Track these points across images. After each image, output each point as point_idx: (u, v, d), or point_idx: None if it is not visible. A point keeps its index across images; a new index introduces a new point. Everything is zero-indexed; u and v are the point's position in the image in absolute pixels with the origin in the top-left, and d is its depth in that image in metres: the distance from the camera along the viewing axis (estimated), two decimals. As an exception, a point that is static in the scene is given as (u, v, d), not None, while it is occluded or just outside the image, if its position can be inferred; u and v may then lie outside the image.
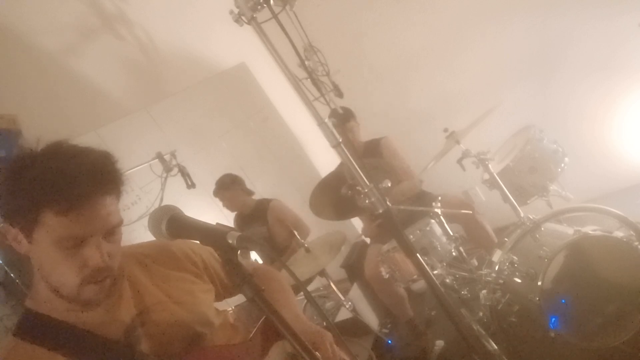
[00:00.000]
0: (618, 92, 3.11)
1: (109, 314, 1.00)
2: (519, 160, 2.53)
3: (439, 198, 2.54)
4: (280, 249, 3.29)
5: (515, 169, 2.53)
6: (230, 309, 2.37)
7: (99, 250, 0.90)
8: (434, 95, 3.72)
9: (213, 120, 3.48)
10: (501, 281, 2.17)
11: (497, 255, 2.27)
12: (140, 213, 2.67)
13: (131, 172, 2.65)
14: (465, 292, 2.43)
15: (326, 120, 1.40)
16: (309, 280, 3.17)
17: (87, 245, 0.90)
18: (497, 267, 2.21)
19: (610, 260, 1.99)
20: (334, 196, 2.59)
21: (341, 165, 3.01)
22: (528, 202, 2.57)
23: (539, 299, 1.94)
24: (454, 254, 2.40)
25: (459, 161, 2.52)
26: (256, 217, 3.29)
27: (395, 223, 1.46)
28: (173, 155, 2.68)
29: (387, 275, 2.49)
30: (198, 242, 1.19)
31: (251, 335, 1.18)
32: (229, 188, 3.20)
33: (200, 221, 0.90)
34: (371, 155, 3.06)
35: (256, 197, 3.38)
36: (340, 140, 1.41)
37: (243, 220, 3.36)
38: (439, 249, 2.40)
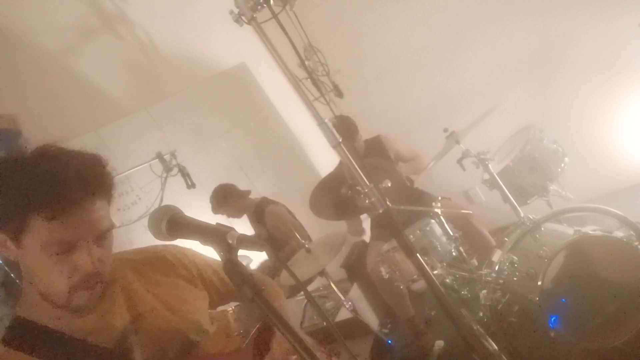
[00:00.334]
0: (618, 92, 3.11)
1: (102, 320, 0.98)
2: (519, 160, 2.53)
3: (439, 198, 2.54)
4: (279, 249, 3.28)
5: (515, 169, 2.53)
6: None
7: (90, 256, 0.89)
8: (434, 95, 3.72)
9: (213, 120, 3.47)
10: (501, 281, 2.17)
11: (497, 255, 2.27)
12: (140, 213, 2.67)
13: (131, 172, 2.65)
14: (465, 292, 2.43)
15: (326, 120, 1.40)
16: (309, 280, 3.17)
17: (77, 250, 0.88)
18: (497, 267, 2.20)
19: (610, 260, 1.99)
20: (334, 196, 2.60)
21: (341, 165, 3.01)
22: (528, 202, 2.57)
23: (539, 299, 1.94)
24: (454, 254, 2.40)
25: (459, 161, 2.52)
26: (256, 218, 3.29)
27: (395, 223, 1.47)
28: (173, 155, 2.68)
29: (387, 275, 2.49)
30: (192, 248, 1.17)
31: (245, 343, 1.17)
32: (224, 202, 3.13)
33: (200, 221, 0.90)
34: (375, 154, 3.06)
35: (256, 196, 3.38)
36: (340, 140, 1.41)
37: (249, 219, 3.36)
38: (439, 249, 2.40)
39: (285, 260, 2.94)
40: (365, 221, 3.34)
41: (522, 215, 2.32)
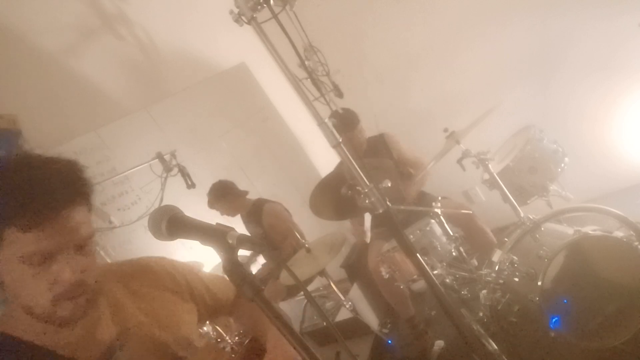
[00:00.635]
0: (618, 92, 3.11)
1: (87, 335, 0.95)
2: (519, 160, 2.53)
3: (439, 198, 2.54)
4: (276, 249, 3.28)
5: (515, 169, 2.53)
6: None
7: (71, 265, 0.86)
8: (434, 95, 3.72)
9: (213, 120, 3.48)
10: (501, 281, 2.17)
11: (497, 255, 2.27)
12: (140, 213, 2.67)
13: (131, 172, 2.65)
14: (465, 292, 2.43)
15: (326, 120, 1.40)
16: (309, 280, 3.17)
17: (57, 260, 0.85)
18: (497, 267, 2.20)
19: (610, 260, 1.99)
20: (334, 196, 2.59)
21: (341, 165, 3.01)
22: (528, 202, 2.57)
23: (539, 299, 1.94)
24: (454, 254, 2.40)
25: (459, 161, 2.52)
26: (252, 218, 3.28)
27: (395, 223, 1.46)
28: (173, 155, 2.68)
29: (387, 275, 2.49)
30: (181, 261, 1.16)
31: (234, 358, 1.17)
32: (221, 198, 3.14)
33: (200, 221, 0.90)
34: (378, 152, 3.06)
35: (256, 196, 3.38)
36: (340, 140, 1.41)
37: (244, 220, 3.36)
38: (439, 249, 2.40)
39: (284, 260, 2.94)
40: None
41: (522, 215, 2.32)
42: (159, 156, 2.66)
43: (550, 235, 2.19)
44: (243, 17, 1.39)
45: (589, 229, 2.05)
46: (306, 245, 2.68)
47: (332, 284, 2.75)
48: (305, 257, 2.67)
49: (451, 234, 2.42)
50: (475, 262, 2.47)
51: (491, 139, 2.83)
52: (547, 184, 2.51)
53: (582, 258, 1.99)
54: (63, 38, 2.63)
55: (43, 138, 2.49)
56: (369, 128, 3.11)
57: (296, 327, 3.23)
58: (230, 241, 0.82)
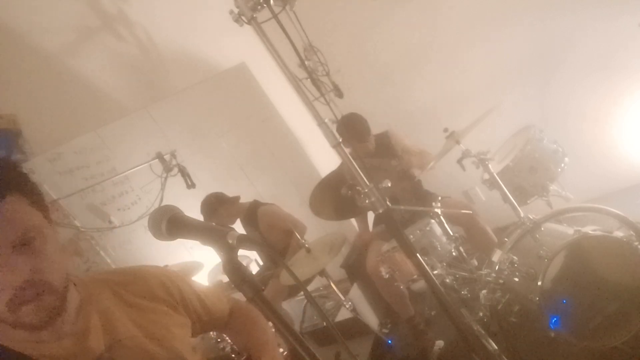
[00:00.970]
0: (618, 92, 3.11)
1: (76, 346, 0.91)
2: (519, 160, 2.52)
3: (439, 198, 2.54)
4: (277, 250, 3.27)
5: (515, 169, 2.53)
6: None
7: (10, 268, 0.79)
8: (434, 95, 3.72)
9: (213, 120, 3.48)
10: (501, 281, 2.17)
11: (497, 255, 2.27)
12: (140, 213, 2.67)
13: (131, 172, 2.66)
14: (465, 292, 2.42)
15: (326, 120, 1.40)
16: (309, 280, 3.17)
17: None
18: (497, 267, 2.20)
19: (610, 260, 1.99)
20: (334, 196, 2.60)
21: (341, 165, 3.01)
22: (528, 202, 2.57)
23: (539, 299, 1.94)
24: (454, 254, 2.40)
25: (459, 161, 2.52)
26: (249, 222, 3.25)
27: (395, 223, 1.47)
28: (173, 155, 2.69)
29: (387, 275, 2.49)
30: (176, 271, 1.13)
31: None
32: (215, 212, 3.07)
33: (201, 221, 0.90)
34: (382, 150, 3.05)
35: (256, 196, 3.38)
36: (340, 141, 1.41)
37: (242, 224, 3.34)
38: (439, 249, 2.40)
39: (293, 251, 2.93)
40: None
41: (522, 215, 2.32)
42: (159, 156, 2.67)
43: (550, 235, 2.19)
44: (243, 17, 1.39)
45: (589, 229, 2.05)
46: (306, 245, 2.68)
47: (332, 284, 2.75)
48: (305, 257, 2.67)
49: (451, 234, 2.42)
50: (475, 262, 2.47)
51: (491, 139, 2.83)
52: (547, 184, 2.50)
53: (582, 258, 1.99)
54: (63, 38, 2.63)
55: (43, 138, 2.49)
56: (369, 126, 3.11)
57: (296, 327, 3.23)
58: (230, 241, 0.81)
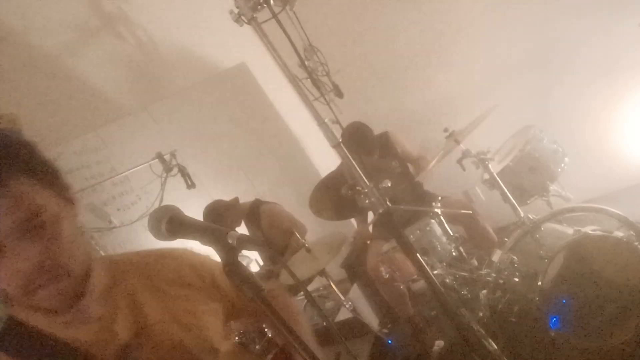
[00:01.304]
0: (618, 92, 3.11)
1: (102, 331, 0.89)
2: (519, 160, 2.52)
3: (439, 198, 2.54)
4: (278, 250, 3.26)
5: (515, 169, 2.53)
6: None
7: (20, 254, 0.76)
8: (434, 95, 3.72)
9: (213, 120, 3.48)
10: (501, 281, 2.17)
11: (497, 255, 2.27)
12: (140, 213, 2.67)
13: (131, 172, 2.66)
14: (465, 292, 2.42)
15: (326, 120, 1.40)
16: (309, 280, 3.17)
17: (5, 251, 0.76)
18: (497, 267, 2.21)
19: (610, 260, 1.99)
20: (334, 196, 2.60)
21: (341, 165, 3.01)
22: (528, 202, 2.57)
23: (539, 299, 1.94)
24: (454, 254, 2.40)
25: (459, 161, 2.52)
26: (250, 220, 3.25)
27: (395, 223, 1.47)
28: (173, 155, 2.69)
29: (387, 275, 2.49)
30: (207, 256, 1.08)
31: None
32: (220, 219, 3.01)
33: (201, 221, 0.89)
34: (382, 151, 3.05)
35: (256, 196, 3.38)
36: (340, 141, 1.41)
37: (246, 224, 3.34)
38: (439, 249, 2.40)
39: (287, 259, 2.93)
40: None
41: (522, 215, 2.32)
42: (159, 156, 2.67)
43: (550, 235, 2.19)
44: (243, 17, 1.39)
45: (589, 229, 2.05)
46: (306, 245, 2.68)
47: (332, 284, 2.75)
48: (305, 257, 2.67)
49: (451, 234, 2.42)
50: (475, 262, 2.47)
51: (491, 139, 2.83)
52: (547, 184, 2.50)
53: (582, 258, 1.99)
54: (63, 38, 2.63)
55: (43, 138, 2.49)
56: (369, 126, 3.11)
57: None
58: (230, 241, 0.81)
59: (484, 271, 2.26)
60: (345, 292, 3.04)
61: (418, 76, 3.72)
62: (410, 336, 2.89)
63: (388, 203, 1.47)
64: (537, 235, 2.20)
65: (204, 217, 3.02)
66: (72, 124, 2.60)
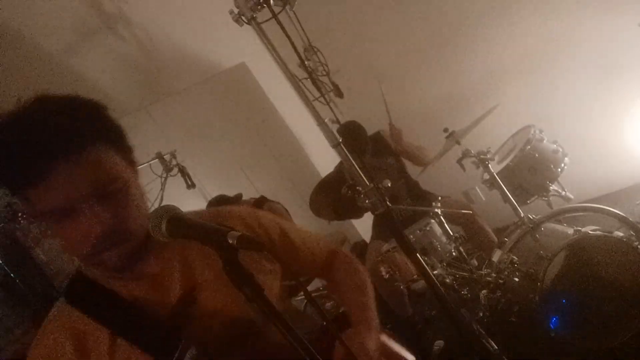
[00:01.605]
0: (618, 92, 3.11)
1: (153, 289, 0.92)
2: (519, 160, 2.53)
3: (439, 198, 2.54)
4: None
5: (515, 169, 2.53)
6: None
7: (94, 217, 0.80)
8: (434, 95, 3.72)
9: (213, 120, 3.48)
10: (501, 281, 2.17)
11: (497, 255, 2.27)
12: (141, 213, 2.67)
13: (131, 172, 2.65)
14: (465, 292, 2.43)
15: (326, 120, 1.40)
16: (309, 280, 3.17)
17: (80, 213, 0.80)
18: (497, 267, 2.21)
19: (610, 260, 1.99)
20: (334, 196, 2.60)
21: (341, 165, 3.01)
22: (528, 202, 2.57)
23: (539, 299, 1.94)
24: (454, 254, 2.40)
25: (459, 161, 2.52)
26: None
27: (395, 223, 1.47)
28: (173, 155, 2.68)
29: (387, 275, 2.49)
30: (271, 215, 1.08)
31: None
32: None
33: (201, 221, 0.89)
34: (378, 151, 3.05)
35: (256, 196, 3.37)
36: (341, 141, 1.41)
37: None
38: (439, 249, 2.40)
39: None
40: (367, 221, 3.33)
41: (522, 215, 2.32)
42: (159, 156, 2.67)
43: (551, 235, 2.19)
44: (243, 17, 1.39)
45: (589, 229, 2.05)
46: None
47: (332, 284, 2.74)
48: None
49: (451, 234, 2.42)
50: (475, 262, 2.47)
51: (491, 139, 2.83)
52: (547, 184, 2.50)
53: (582, 258, 1.99)
54: (63, 38, 2.63)
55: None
56: (368, 128, 3.11)
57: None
58: (230, 241, 0.81)
59: (484, 271, 2.26)
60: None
61: (418, 76, 3.72)
62: (410, 336, 2.89)
63: (388, 203, 1.47)
64: (537, 235, 2.20)
65: (209, 206, 3.02)
66: (72, 124, 2.60)
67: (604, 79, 3.11)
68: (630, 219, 2.11)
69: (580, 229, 2.05)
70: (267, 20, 1.42)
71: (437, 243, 2.40)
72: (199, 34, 3.45)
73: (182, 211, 0.90)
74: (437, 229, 2.43)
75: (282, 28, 1.42)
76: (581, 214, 2.28)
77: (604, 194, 3.20)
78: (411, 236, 2.41)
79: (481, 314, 2.34)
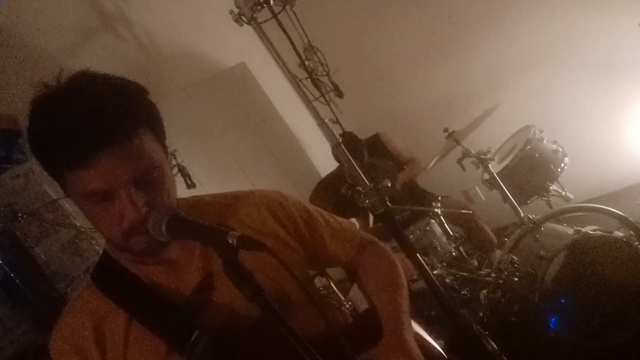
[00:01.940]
0: (618, 92, 3.11)
1: (171, 274, 0.93)
2: (519, 160, 2.53)
3: (439, 198, 2.54)
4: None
5: (515, 169, 2.53)
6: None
7: (133, 203, 0.81)
8: (434, 95, 3.72)
9: (213, 120, 3.47)
10: (501, 281, 2.17)
11: (497, 255, 2.27)
12: (141, 213, 2.67)
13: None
14: (465, 292, 2.43)
15: (326, 120, 1.40)
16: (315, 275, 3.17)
17: (117, 197, 0.81)
18: (497, 267, 2.21)
19: (610, 260, 1.99)
20: (334, 196, 2.59)
21: (341, 165, 3.01)
22: (528, 202, 2.57)
23: (539, 299, 1.94)
24: (454, 254, 2.40)
25: (459, 161, 2.52)
26: None
27: (395, 223, 1.46)
28: (173, 155, 2.68)
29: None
30: (295, 199, 1.08)
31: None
32: None
33: (201, 221, 0.89)
34: (375, 152, 3.06)
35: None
36: (340, 141, 1.41)
37: None
38: (439, 249, 2.40)
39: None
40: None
41: (522, 215, 2.32)
42: (159, 156, 2.66)
43: (551, 235, 2.19)
44: (243, 17, 1.39)
45: (589, 229, 2.05)
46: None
47: (332, 284, 2.75)
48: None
49: (451, 234, 2.42)
50: (475, 262, 2.47)
51: (491, 139, 2.83)
52: (547, 184, 2.50)
53: (582, 258, 2.00)
54: (63, 38, 2.62)
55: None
56: (368, 129, 3.11)
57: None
58: (230, 241, 0.81)
59: (484, 271, 2.26)
60: (345, 292, 3.04)
61: (418, 76, 3.72)
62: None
63: (388, 203, 1.47)
64: (537, 235, 2.20)
65: None
66: (72, 124, 2.60)
67: (604, 79, 3.11)
68: (630, 219, 2.11)
69: (580, 229, 2.06)
70: (267, 20, 1.42)
71: (437, 243, 2.41)
72: (199, 33, 3.45)
73: (182, 211, 0.91)
74: (437, 229, 2.43)
75: (282, 28, 1.42)
76: (581, 214, 2.28)
77: (604, 194, 3.20)
78: (411, 236, 2.41)
79: (481, 314, 2.34)
